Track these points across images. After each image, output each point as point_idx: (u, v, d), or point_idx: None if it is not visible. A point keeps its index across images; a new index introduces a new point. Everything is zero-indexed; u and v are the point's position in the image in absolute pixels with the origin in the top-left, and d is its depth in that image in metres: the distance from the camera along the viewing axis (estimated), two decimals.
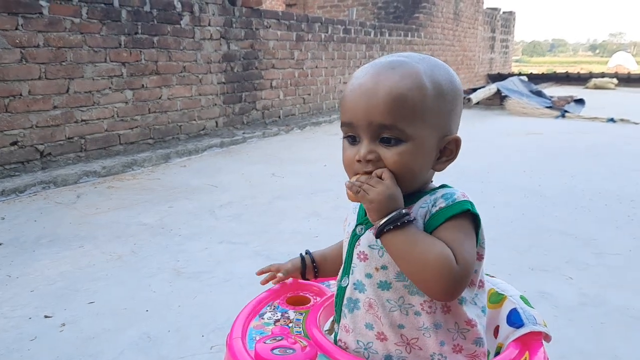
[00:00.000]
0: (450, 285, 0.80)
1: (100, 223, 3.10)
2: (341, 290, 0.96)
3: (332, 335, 1.00)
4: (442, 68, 0.90)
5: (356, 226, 0.95)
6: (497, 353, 0.97)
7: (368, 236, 0.91)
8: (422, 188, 0.92)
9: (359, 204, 0.98)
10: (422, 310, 0.87)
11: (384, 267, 0.88)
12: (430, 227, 0.85)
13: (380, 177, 0.85)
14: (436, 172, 0.94)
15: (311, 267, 1.13)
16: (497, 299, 1.04)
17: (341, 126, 0.90)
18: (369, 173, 0.87)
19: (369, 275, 0.90)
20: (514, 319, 0.97)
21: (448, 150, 0.90)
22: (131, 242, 2.79)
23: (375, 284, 0.89)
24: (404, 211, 0.83)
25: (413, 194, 0.90)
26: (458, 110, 0.91)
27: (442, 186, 0.93)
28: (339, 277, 0.97)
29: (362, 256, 0.91)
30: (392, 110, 0.83)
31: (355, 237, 0.94)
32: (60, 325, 1.94)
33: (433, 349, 0.88)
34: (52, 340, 1.85)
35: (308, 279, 1.15)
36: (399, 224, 0.82)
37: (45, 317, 2.00)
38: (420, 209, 0.87)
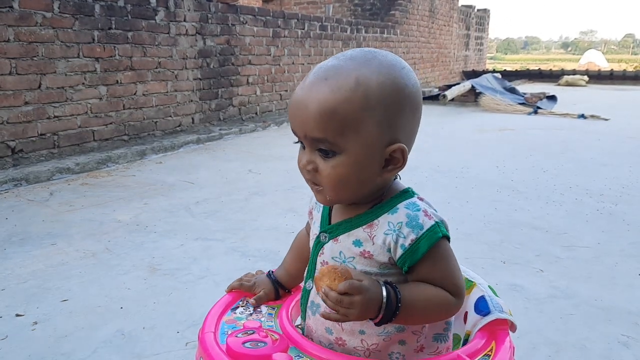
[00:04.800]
0: (451, 314, 0.90)
1: (73, 221, 3.06)
2: (305, 293, 0.97)
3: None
4: (388, 71, 0.84)
5: (320, 232, 0.95)
6: (466, 340, 0.99)
7: (332, 247, 0.92)
8: (377, 196, 0.90)
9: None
10: None
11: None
12: (407, 262, 0.85)
13: (347, 293, 0.79)
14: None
15: (283, 292, 1.11)
16: (466, 285, 1.06)
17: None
18: (314, 183, 0.87)
19: None
20: (481, 306, 1.00)
21: (395, 159, 0.86)
22: (105, 240, 2.76)
23: None
24: (387, 301, 0.81)
25: (371, 205, 0.90)
26: (407, 115, 0.85)
27: (403, 194, 0.91)
28: (304, 277, 0.99)
29: (324, 265, 0.92)
30: (321, 124, 0.81)
31: (319, 245, 0.94)
32: (32, 324, 1.92)
33: (392, 348, 0.90)
34: (24, 339, 1.82)
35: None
36: (393, 318, 0.82)
37: (17, 315, 1.98)
38: (385, 236, 0.86)
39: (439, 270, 0.86)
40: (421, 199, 0.90)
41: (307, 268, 0.98)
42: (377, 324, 0.83)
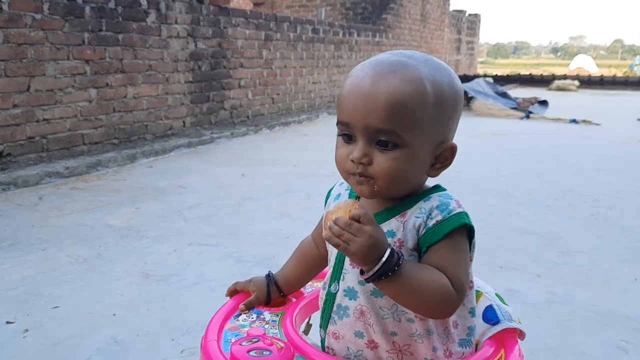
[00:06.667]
0: (448, 309, 0.85)
1: (64, 225, 3.01)
2: (331, 296, 0.93)
3: (316, 339, 0.98)
4: (445, 72, 0.87)
5: None
6: (475, 349, 0.97)
7: None
8: (414, 192, 0.90)
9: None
10: (415, 317, 0.87)
11: None
12: (428, 242, 0.85)
13: (358, 221, 0.78)
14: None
15: (277, 296, 1.08)
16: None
17: (337, 124, 0.87)
18: (360, 175, 0.84)
19: (362, 282, 0.88)
20: (490, 315, 0.98)
21: (443, 156, 0.88)
22: (97, 245, 2.72)
23: (368, 291, 0.88)
24: (389, 255, 0.78)
25: (406, 197, 0.89)
26: (457, 116, 0.89)
27: (435, 187, 0.91)
28: (327, 281, 0.95)
29: (354, 264, 0.89)
30: (391, 116, 0.81)
31: None
32: (23, 331, 1.87)
33: (425, 354, 0.88)
34: (15, 347, 1.78)
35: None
36: (389, 273, 0.79)
37: (7, 323, 1.93)
38: (415, 219, 0.86)
39: (449, 258, 0.84)
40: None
41: (331, 270, 0.94)
42: (367, 280, 0.80)
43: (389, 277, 0.79)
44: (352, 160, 0.85)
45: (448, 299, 0.82)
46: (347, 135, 0.86)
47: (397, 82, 0.81)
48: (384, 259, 0.78)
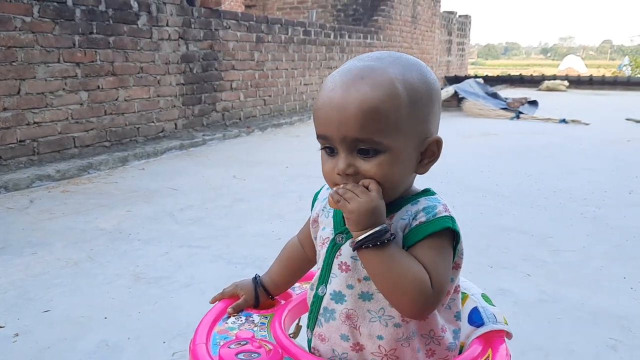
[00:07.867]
0: (423, 308, 0.82)
1: (54, 229, 3.00)
2: (318, 299, 0.93)
3: (305, 342, 0.99)
4: (416, 68, 0.86)
5: (336, 235, 0.92)
6: (460, 352, 0.98)
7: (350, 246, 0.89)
8: (404, 194, 0.90)
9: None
10: (402, 322, 0.86)
11: (366, 279, 0.86)
12: (409, 242, 0.84)
13: (367, 187, 0.82)
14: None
15: (266, 299, 1.07)
16: None
17: (317, 138, 0.86)
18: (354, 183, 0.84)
19: (350, 287, 0.88)
20: (475, 317, 0.98)
21: (429, 152, 0.88)
22: (88, 248, 2.71)
23: (356, 294, 0.88)
24: (383, 228, 0.81)
25: (394, 201, 0.88)
26: (436, 110, 0.88)
27: (425, 191, 0.91)
28: (314, 283, 0.95)
29: (344, 267, 0.89)
30: (364, 124, 0.80)
31: (335, 247, 0.91)
32: (13, 336, 1.86)
33: (410, 357, 0.88)
34: (5, 351, 1.77)
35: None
36: (378, 243, 0.80)
37: None
38: (401, 221, 0.86)
39: (429, 258, 0.83)
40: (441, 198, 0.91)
41: (319, 273, 0.94)
42: (356, 245, 0.82)
43: (376, 247, 0.80)
44: (339, 174, 0.84)
45: (426, 293, 0.80)
46: (329, 147, 0.86)
47: (367, 88, 0.80)
48: (377, 227, 0.80)
